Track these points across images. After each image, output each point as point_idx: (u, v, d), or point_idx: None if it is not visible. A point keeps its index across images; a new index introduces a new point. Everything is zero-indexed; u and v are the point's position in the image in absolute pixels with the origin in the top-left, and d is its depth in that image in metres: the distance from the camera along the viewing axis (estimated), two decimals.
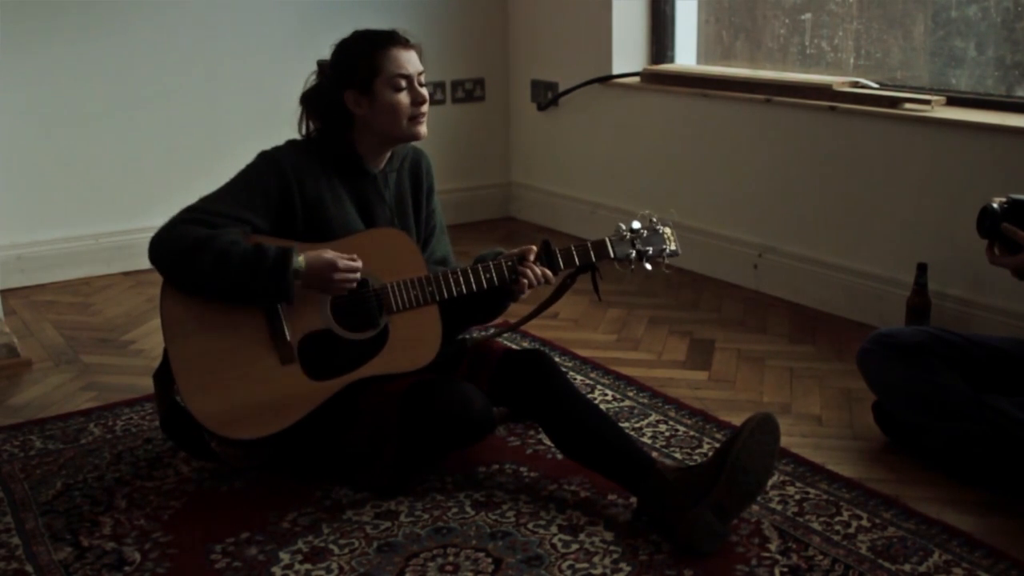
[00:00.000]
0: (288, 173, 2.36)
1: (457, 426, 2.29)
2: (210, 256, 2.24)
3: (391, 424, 2.29)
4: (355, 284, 2.29)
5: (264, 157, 2.40)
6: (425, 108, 2.42)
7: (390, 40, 2.42)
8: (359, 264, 2.29)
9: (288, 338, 2.29)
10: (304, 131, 2.50)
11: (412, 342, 2.35)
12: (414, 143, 2.52)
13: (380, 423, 2.31)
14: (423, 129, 2.44)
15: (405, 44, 2.43)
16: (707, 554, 2.08)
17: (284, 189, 2.36)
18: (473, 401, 2.28)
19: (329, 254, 2.28)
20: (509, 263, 2.40)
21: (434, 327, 2.37)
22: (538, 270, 2.40)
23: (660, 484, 2.15)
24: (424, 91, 2.42)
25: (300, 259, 2.26)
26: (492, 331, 2.76)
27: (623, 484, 2.23)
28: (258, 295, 2.27)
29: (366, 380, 2.33)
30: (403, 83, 2.39)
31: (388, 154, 2.50)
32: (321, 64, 2.48)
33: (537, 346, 3.27)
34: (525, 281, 2.39)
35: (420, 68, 2.43)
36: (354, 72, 2.39)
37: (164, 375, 2.38)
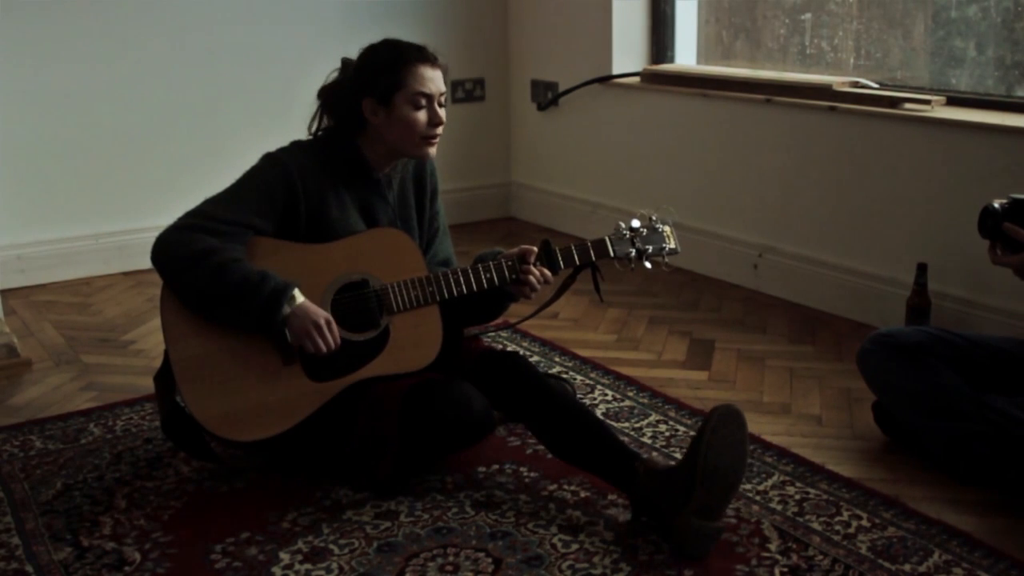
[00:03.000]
0: (293, 177, 2.35)
1: (458, 428, 2.29)
2: (210, 270, 2.23)
3: (391, 425, 2.29)
4: (321, 352, 2.27)
5: (269, 160, 2.39)
6: (440, 130, 2.41)
7: (419, 56, 2.39)
8: (337, 344, 2.28)
9: (289, 339, 2.29)
10: (316, 127, 2.48)
11: (413, 342, 2.35)
12: None
13: (380, 424, 2.31)
14: (432, 151, 2.43)
15: (433, 62, 2.40)
16: (704, 556, 2.08)
17: (289, 193, 2.35)
18: (473, 402, 2.28)
19: (323, 315, 2.27)
20: (509, 263, 2.40)
21: (435, 327, 2.37)
22: (537, 272, 2.40)
23: (641, 490, 2.15)
24: (443, 113, 2.40)
25: (297, 300, 2.26)
26: (492, 330, 2.76)
27: (610, 482, 2.24)
28: (244, 319, 2.26)
29: (367, 380, 2.33)
30: (423, 101, 2.37)
31: (394, 163, 2.50)
32: (345, 62, 2.46)
33: (537, 346, 3.28)
34: (527, 288, 2.39)
35: (443, 89, 2.41)
36: (377, 81, 2.37)
37: (165, 377, 2.38)
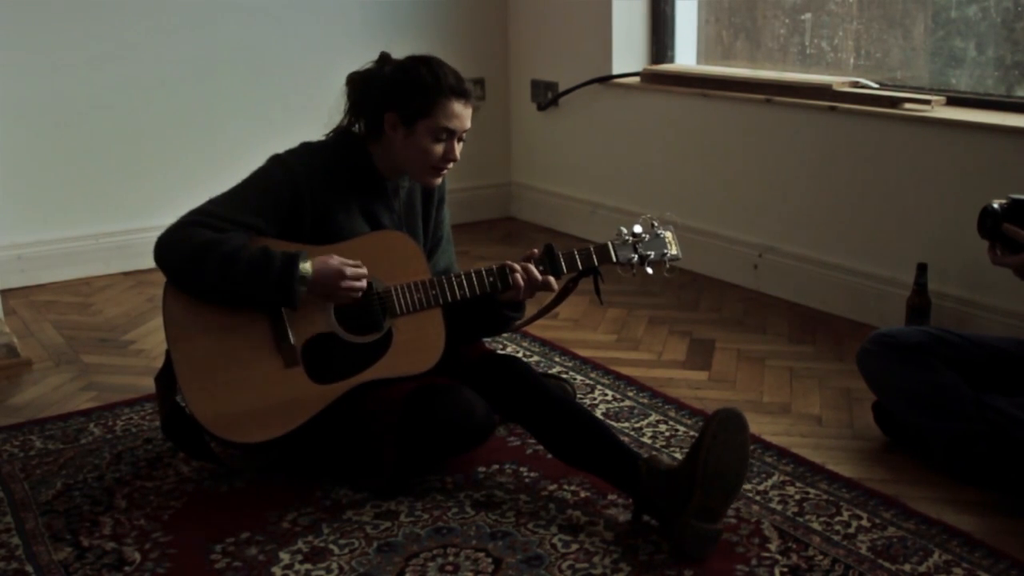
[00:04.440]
0: (300, 180, 2.34)
1: (459, 433, 2.29)
2: (216, 259, 2.23)
3: (392, 428, 2.28)
4: (360, 293, 2.28)
5: (276, 161, 2.38)
6: (451, 166, 2.40)
7: (455, 90, 2.36)
8: (365, 271, 2.29)
9: (292, 341, 2.29)
10: (347, 121, 2.46)
11: (415, 346, 2.34)
12: None
13: (381, 427, 2.30)
14: (437, 181, 2.44)
15: (467, 99, 2.38)
16: (703, 558, 2.08)
17: (295, 196, 2.34)
18: (475, 407, 2.28)
19: (335, 261, 2.27)
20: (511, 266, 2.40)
21: (437, 331, 2.36)
22: (520, 268, 2.37)
23: (644, 490, 2.15)
24: (459, 149, 2.39)
25: (307, 265, 2.25)
26: None
27: (612, 483, 2.24)
28: (263, 299, 2.26)
29: (369, 383, 2.32)
30: (444, 136, 2.36)
31: (403, 175, 2.49)
32: (384, 57, 2.44)
33: (537, 346, 3.28)
34: (518, 275, 2.37)
35: (467, 127, 2.39)
36: (407, 101, 2.35)
37: (166, 377, 2.37)
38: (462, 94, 2.37)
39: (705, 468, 2.06)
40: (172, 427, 2.43)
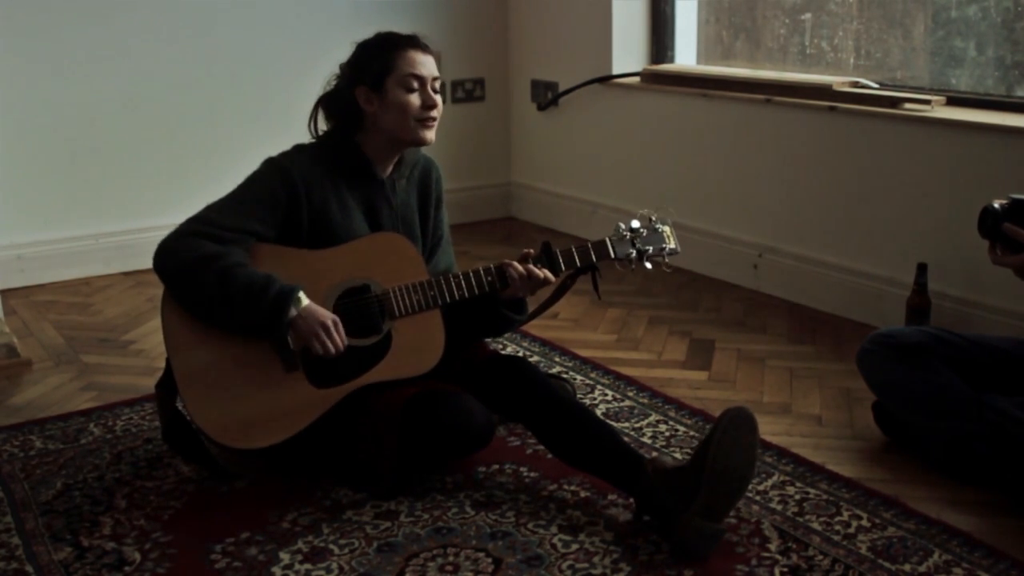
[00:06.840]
0: (296, 182, 2.34)
1: (458, 438, 2.29)
2: (216, 272, 2.23)
3: (392, 431, 2.28)
4: (330, 353, 2.26)
5: (272, 165, 2.39)
6: (435, 113, 2.40)
7: (408, 41, 2.42)
8: (344, 342, 2.28)
9: (292, 346, 2.29)
10: (314, 129, 2.49)
11: (415, 347, 2.34)
12: (424, 152, 2.52)
13: (381, 430, 2.30)
14: (430, 135, 2.42)
15: (424, 48, 2.42)
16: (704, 557, 2.08)
17: (292, 198, 2.34)
18: (475, 414, 2.28)
19: (330, 316, 2.27)
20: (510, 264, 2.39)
21: (437, 332, 2.36)
22: (521, 269, 2.37)
23: (650, 488, 2.15)
24: (437, 97, 2.41)
25: (303, 302, 2.25)
26: None
27: (615, 484, 2.24)
28: (252, 323, 2.25)
29: (369, 386, 2.32)
30: (415, 83, 2.38)
31: (396, 159, 2.49)
32: (342, 66, 2.48)
33: (537, 346, 3.28)
34: (511, 271, 2.37)
35: (435, 73, 2.42)
36: (368, 68, 2.39)
37: (167, 385, 2.37)
38: (416, 44, 2.42)
39: (713, 465, 2.06)
40: (173, 435, 2.43)
